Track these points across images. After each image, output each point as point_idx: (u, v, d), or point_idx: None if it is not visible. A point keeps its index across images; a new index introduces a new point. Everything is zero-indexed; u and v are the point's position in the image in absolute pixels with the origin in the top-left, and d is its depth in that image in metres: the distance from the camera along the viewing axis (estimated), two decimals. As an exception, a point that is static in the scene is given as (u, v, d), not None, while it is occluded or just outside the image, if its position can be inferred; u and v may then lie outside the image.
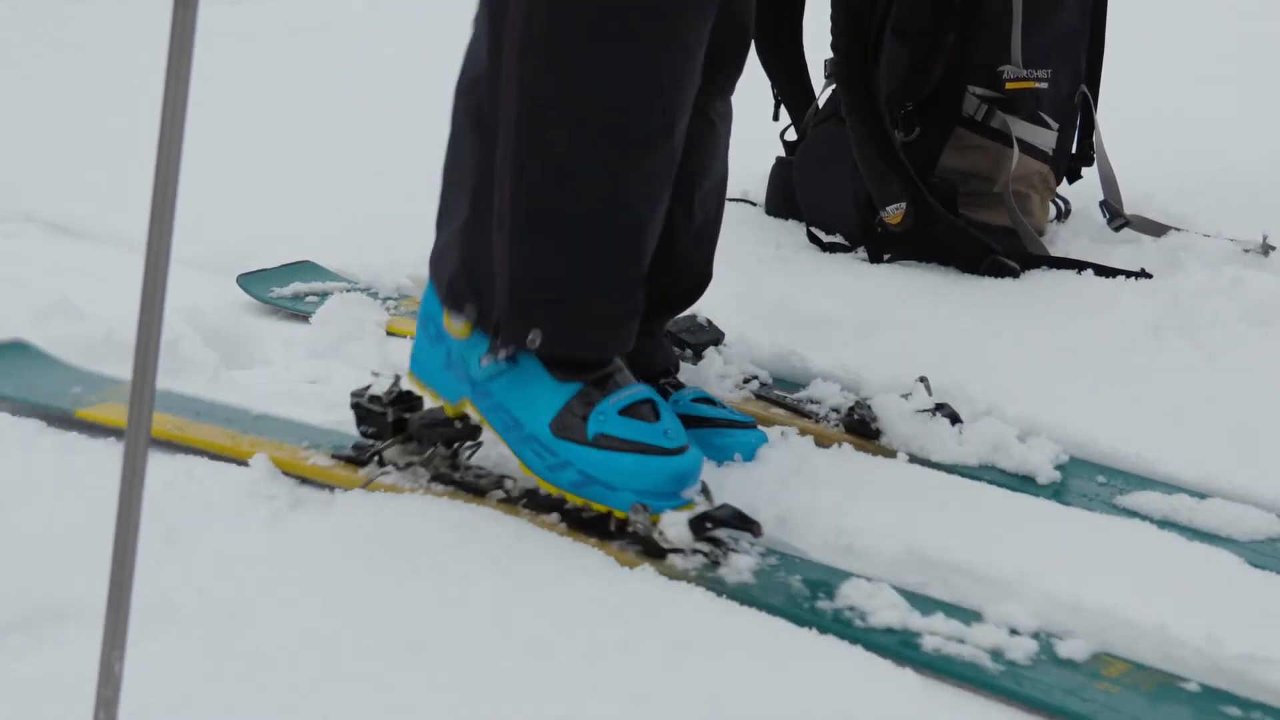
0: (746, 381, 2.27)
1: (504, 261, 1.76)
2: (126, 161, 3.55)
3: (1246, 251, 2.85)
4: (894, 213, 2.80)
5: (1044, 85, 2.98)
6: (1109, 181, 3.12)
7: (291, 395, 2.25)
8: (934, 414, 2.07)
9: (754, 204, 3.30)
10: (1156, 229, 3.04)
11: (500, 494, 1.84)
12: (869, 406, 2.10)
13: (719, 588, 1.63)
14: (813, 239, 3.01)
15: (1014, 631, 1.56)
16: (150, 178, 1.16)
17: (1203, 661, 1.51)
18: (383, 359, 2.46)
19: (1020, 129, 2.94)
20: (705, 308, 2.27)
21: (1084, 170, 3.16)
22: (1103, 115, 3.12)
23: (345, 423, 1.99)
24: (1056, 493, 1.95)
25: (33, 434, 2.02)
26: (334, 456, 1.94)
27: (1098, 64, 3.13)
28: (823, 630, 1.56)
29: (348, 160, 3.91)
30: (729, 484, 1.83)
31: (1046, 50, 2.97)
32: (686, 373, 2.19)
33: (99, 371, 2.28)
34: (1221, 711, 1.45)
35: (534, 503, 1.81)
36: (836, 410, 2.17)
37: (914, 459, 2.03)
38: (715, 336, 2.33)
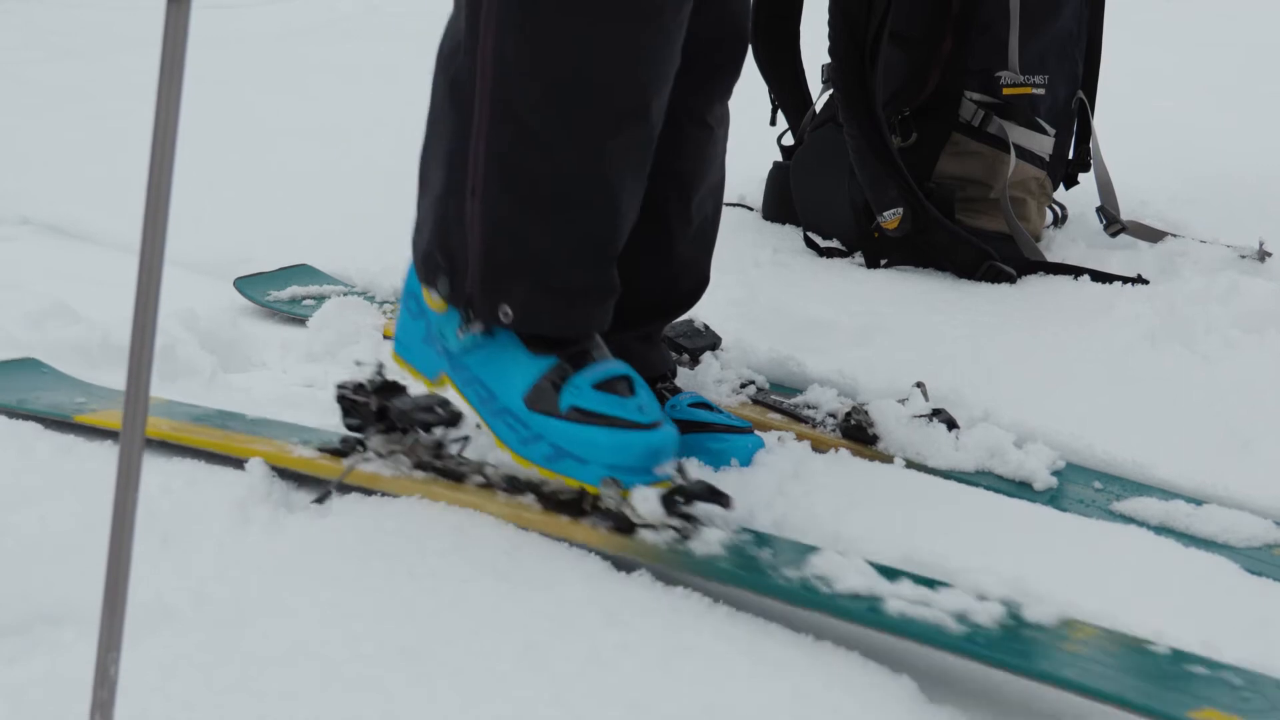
0: (744, 386, 2.27)
1: (476, 231, 1.76)
2: (122, 165, 3.55)
3: (1243, 257, 2.85)
4: (891, 218, 2.80)
5: (1041, 91, 2.99)
6: (1105, 187, 3.12)
7: (288, 399, 2.25)
8: (931, 419, 2.07)
9: (751, 209, 3.30)
10: (1153, 235, 3.05)
11: (479, 479, 1.83)
12: (866, 412, 2.10)
13: (688, 561, 1.62)
14: (810, 244, 3.01)
15: (981, 597, 1.54)
16: (145, 180, 1.16)
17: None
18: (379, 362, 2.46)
19: (1017, 134, 2.94)
20: (702, 312, 2.27)
21: (1080, 176, 3.16)
22: (1099, 121, 3.13)
23: (341, 426, 1.99)
24: (1053, 498, 1.95)
25: (30, 437, 2.02)
26: (320, 449, 1.94)
27: (1094, 70, 3.13)
28: (789, 599, 1.56)
29: (345, 163, 3.91)
30: (726, 488, 1.82)
31: (1043, 56, 2.98)
32: (684, 377, 2.19)
33: (107, 385, 2.28)
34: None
35: (512, 486, 1.80)
36: (833, 415, 2.16)
37: (911, 464, 2.03)
38: (712, 341, 2.33)
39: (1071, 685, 1.42)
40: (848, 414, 2.12)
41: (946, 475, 2.00)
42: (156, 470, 1.85)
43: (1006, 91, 2.93)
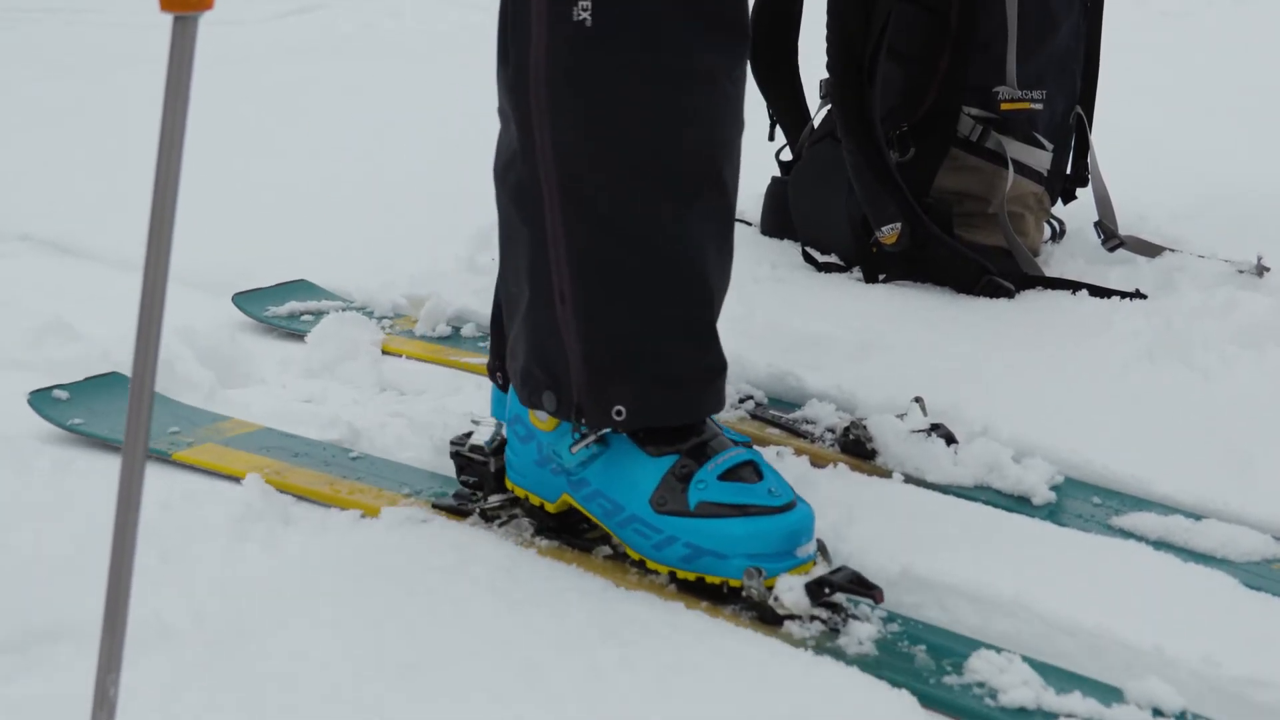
0: (742, 401, 2.27)
1: (573, 337, 1.69)
2: (121, 181, 3.55)
3: (1241, 273, 2.85)
4: (889, 233, 2.80)
5: (1039, 106, 2.98)
6: (1104, 202, 3.12)
7: (287, 414, 2.25)
8: (929, 434, 2.07)
9: (749, 224, 3.30)
10: (1151, 250, 3.04)
11: (607, 550, 1.78)
12: (864, 427, 2.10)
13: (840, 658, 1.56)
14: (808, 259, 3.01)
15: (1157, 713, 1.47)
16: (145, 197, 1.16)
17: (1199, 684, 1.51)
18: (377, 378, 2.46)
19: (1015, 149, 2.94)
20: (701, 328, 2.27)
21: (1079, 191, 3.16)
22: (1098, 136, 3.13)
23: (421, 461, 2.02)
24: (1052, 513, 1.95)
25: (29, 453, 2.02)
26: (435, 506, 1.89)
27: (1092, 85, 3.13)
28: (952, 710, 1.50)
29: (343, 179, 3.91)
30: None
31: (1041, 72, 2.98)
32: (682, 393, 2.19)
33: (200, 407, 2.27)
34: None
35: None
36: (832, 430, 2.16)
37: (909, 479, 2.03)
38: (711, 357, 2.33)
39: None
40: (846, 429, 2.12)
41: (945, 490, 2.00)
42: (156, 486, 1.85)
43: (1004, 107, 2.93)
